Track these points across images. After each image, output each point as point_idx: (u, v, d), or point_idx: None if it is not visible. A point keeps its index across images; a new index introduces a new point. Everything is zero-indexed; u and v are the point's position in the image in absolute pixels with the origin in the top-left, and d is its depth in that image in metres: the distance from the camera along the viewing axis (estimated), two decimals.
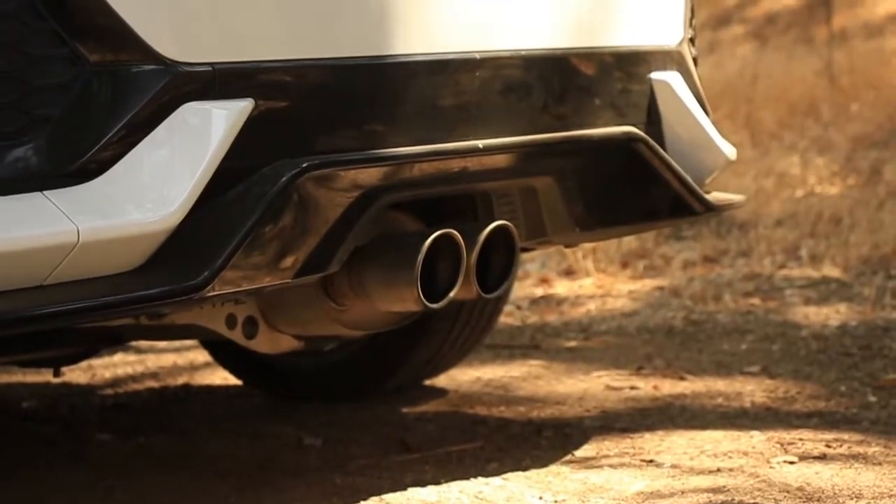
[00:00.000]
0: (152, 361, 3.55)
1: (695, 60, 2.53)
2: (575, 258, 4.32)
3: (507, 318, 3.78)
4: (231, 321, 2.32)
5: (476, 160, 2.17)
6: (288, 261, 1.97)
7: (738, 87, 7.58)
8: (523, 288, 4.15)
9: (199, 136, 1.88)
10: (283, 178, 1.94)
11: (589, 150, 2.31)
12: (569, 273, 4.31)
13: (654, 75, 2.40)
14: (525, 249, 2.48)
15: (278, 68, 1.97)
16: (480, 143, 2.14)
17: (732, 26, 12.59)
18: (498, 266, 2.22)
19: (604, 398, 3.01)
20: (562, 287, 4.19)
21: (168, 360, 3.56)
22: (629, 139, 2.32)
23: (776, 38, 11.72)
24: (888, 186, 5.36)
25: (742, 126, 6.84)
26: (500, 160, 2.21)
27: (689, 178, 2.40)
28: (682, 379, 3.13)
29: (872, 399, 2.91)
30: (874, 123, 6.95)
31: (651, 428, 2.75)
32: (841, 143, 6.50)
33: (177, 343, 3.70)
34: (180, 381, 3.35)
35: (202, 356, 3.49)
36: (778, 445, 2.60)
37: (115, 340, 2.60)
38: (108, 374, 3.44)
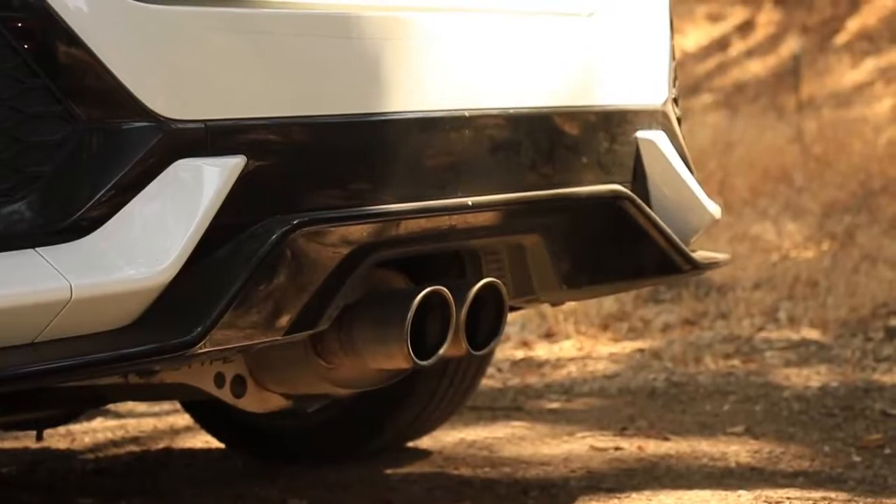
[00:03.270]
0: (132, 426, 3.52)
1: (679, 120, 2.56)
2: (555, 320, 4.32)
3: (489, 380, 3.78)
4: (219, 380, 2.31)
5: (465, 217, 2.17)
6: (279, 318, 1.96)
7: (710, 154, 7.64)
8: (504, 350, 4.15)
9: (192, 193, 1.88)
10: (275, 235, 1.94)
11: (576, 207, 2.32)
12: (549, 335, 4.32)
13: (640, 134, 2.42)
14: (512, 308, 2.48)
15: (269, 125, 1.98)
16: (470, 201, 2.15)
17: (702, 95, 12.72)
18: (487, 323, 2.22)
19: (589, 459, 3.00)
20: (542, 349, 4.19)
21: (148, 424, 3.53)
22: (616, 197, 2.33)
23: (746, 107, 11.84)
24: (862, 250, 5.40)
25: (715, 192, 6.89)
26: (489, 217, 2.22)
27: (674, 236, 2.41)
28: (666, 440, 3.13)
29: (857, 459, 2.92)
30: (846, 190, 7.01)
31: (637, 488, 2.74)
32: (814, 208, 6.56)
33: (157, 407, 3.67)
34: (161, 444, 3.33)
35: (183, 420, 3.47)
36: None
37: (100, 401, 2.58)
38: (87, 439, 3.42)
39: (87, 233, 1.82)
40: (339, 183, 2.05)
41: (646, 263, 2.42)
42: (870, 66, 12.13)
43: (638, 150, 2.42)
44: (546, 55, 2.31)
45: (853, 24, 12.84)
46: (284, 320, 1.97)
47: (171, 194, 1.87)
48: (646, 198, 2.41)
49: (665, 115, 2.50)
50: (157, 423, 3.53)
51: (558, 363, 4.02)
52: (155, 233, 1.85)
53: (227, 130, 1.93)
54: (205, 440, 3.26)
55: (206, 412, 3.10)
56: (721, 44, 13.57)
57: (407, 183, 2.11)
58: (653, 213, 2.38)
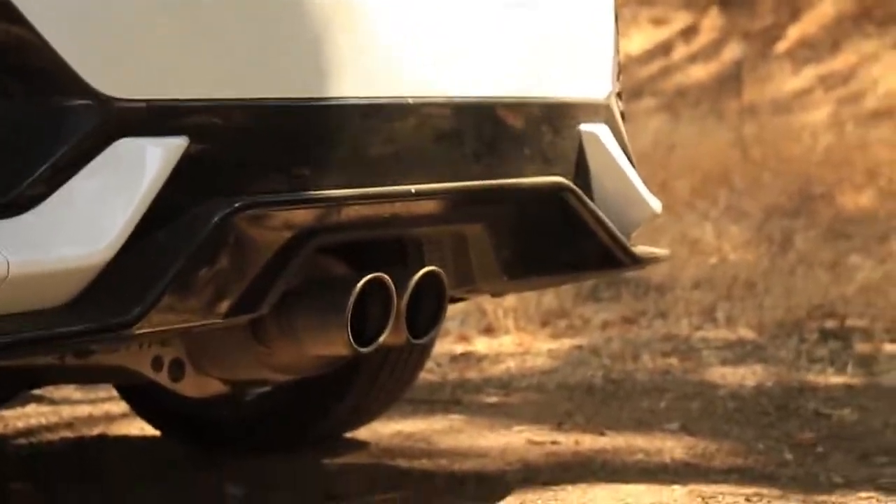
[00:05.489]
0: (67, 412, 3.49)
1: (622, 114, 2.57)
2: (495, 316, 4.33)
3: (428, 374, 3.78)
4: (157, 363, 2.29)
5: (408, 205, 2.17)
6: (219, 301, 1.95)
7: (652, 157, 7.68)
8: (443, 345, 4.15)
9: (133, 173, 1.87)
10: (216, 218, 1.92)
11: (518, 198, 2.33)
12: (488, 331, 4.32)
13: (583, 127, 2.43)
14: (453, 299, 2.48)
15: (213, 107, 1.96)
16: (413, 189, 2.15)
17: (644, 98, 12.79)
18: (427, 312, 2.22)
19: (525, 452, 3.01)
20: (481, 344, 4.20)
21: (83, 410, 3.50)
22: (558, 189, 2.34)
23: (688, 111, 11.92)
24: (799, 254, 5.46)
25: (656, 194, 6.93)
26: (432, 206, 2.22)
27: (616, 230, 2.42)
28: (602, 435, 3.14)
29: (789, 457, 2.94)
30: (785, 194, 7.08)
31: (573, 481, 2.75)
32: (753, 212, 6.61)
33: (92, 394, 3.64)
34: (96, 431, 3.30)
35: (118, 407, 3.44)
36: (699, 499, 2.62)
37: (35, 383, 2.56)
38: (20, 424, 3.38)
39: (26, 210, 1.79)
40: (282, 167, 2.04)
41: (587, 256, 2.43)
42: (810, 73, 12.25)
43: (581, 142, 2.42)
44: (490, 44, 2.31)
45: (794, 32, 12.97)
46: (224, 304, 1.95)
47: (111, 173, 1.85)
48: (588, 190, 2.41)
49: (608, 108, 2.51)
50: (93, 409, 3.50)
51: (497, 358, 4.03)
52: (94, 212, 1.84)
53: (169, 111, 1.91)
54: (140, 427, 3.24)
55: (142, 399, 3.07)
56: (664, 48, 13.65)
57: (350, 169, 2.10)
58: (595, 206, 2.39)
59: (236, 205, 1.94)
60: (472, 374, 3.85)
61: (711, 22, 13.68)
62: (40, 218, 1.80)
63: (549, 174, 2.37)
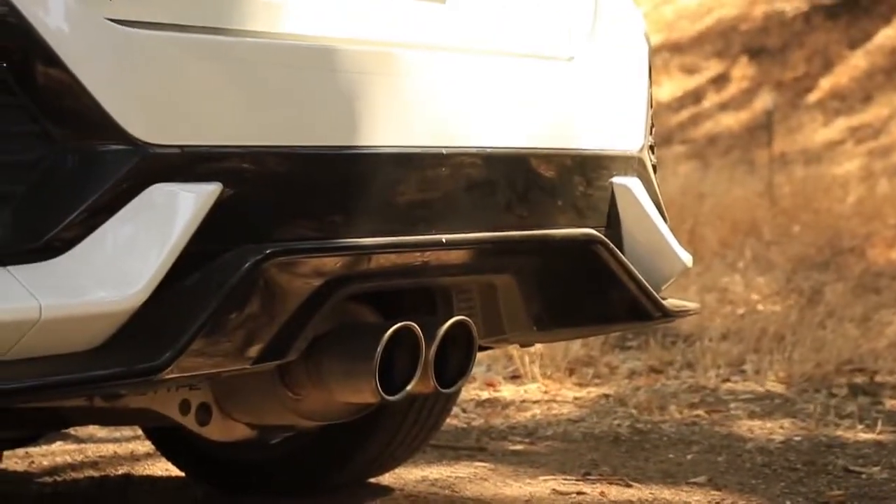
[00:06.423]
0: (92, 451, 3.49)
1: (654, 167, 2.57)
2: (521, 363, 4.32)
3: (453, 419, 3.76)
4: (185, 407, 2.29)
5: (439, 254, 2.17)
6: (248, 347, 1.95)
7: (681, 204, 7.68)
8: (469, 390, 4.14)
9: (166, 218, 1.88)
10: (247, 264, 1.93)
11: (549, 250, 2.33)
12: (515, 377, 4.31)
13: (616, 180, 2.43)
14: (481, 348, 2.48)
15: (246, 154, 1.97)
16: (444, 238, 2.15)
17: (674, 146, 12.79)
18: (456, 361, 2.22)
19: (551, 502, 2.99)
20: (508, 391, 4.19)
21: (109, 449, 3.50)
22: (589, 241, 2.34)
23: (718, 160, 11.91)
24: (828, 307, 5.43)
25: (686, 242, 6.90)
26: (462, 255, 2.22)
27: (646, 283, 2.41)
28: (628, 486, 3.12)
29: None
30: (814, 246, 7.06)
31: None
32: (782, 263, 6.60)
33: (117, 433, 3.64)
34: (121, 470, 3.30)
35: (143, 446, 3.44)
36: None
37: (63, 424, 2.56)
38: (46, 462, 3.38)
39: (60, 253, 1.80)
40: (314, 214, 2.05)
41: (617, 309, 2.42)
42: (841, 124, 12.24)
43: (613, 195, 2.42)
44: (526, 97, 2.32)
45: (826, 83, 12.97)
46: (253, 349, 1.96)
47: (144, 219, 1.86)
48: (619, 243, 2.41)
49: (641, 161, 2.51)
50: (118, 448, 3.50)
51: (523, 405, 4.01)
52: (127, 256, 1.84)
53: (203, 156, 1.92)
54: (165, 468, 3.24)
55: (167, 439, 3.07)
56: (695, 96, 13.67)
57: (382, 217, 2.11)
58: (625, 259, 2.38)
59: (267, 251, 1.95)
60: (498, 421, 3.84)
61: (742, 71, 13.69)
62: (73, 262, 1.81)
63: (580, 226, 2.37)
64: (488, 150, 2.25)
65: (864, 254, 6.81)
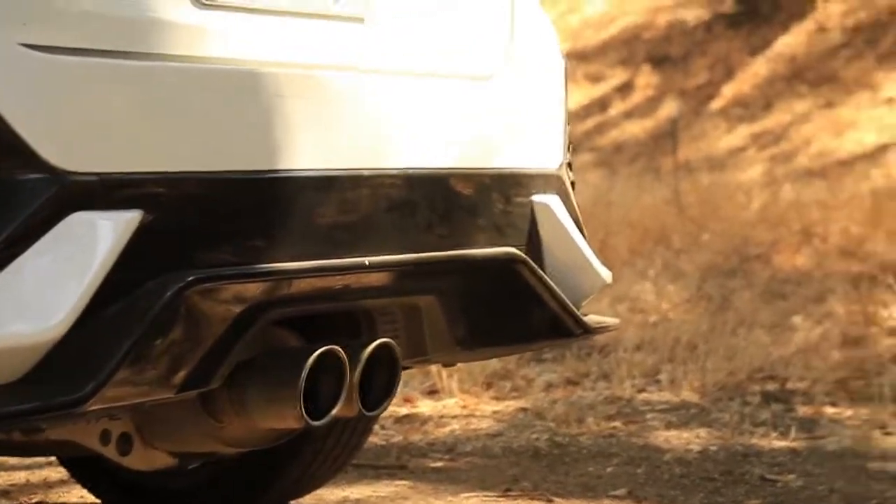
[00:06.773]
0: (3, 479, 3.42)
1: (573, 184, 2.58)
2: (439, 377, 4.32)
3: (373, 437, 3.75)
4: (105, 437, 2.26)
5: (361, 277, 2.16)
6: (171, 376, 1.92)
7: (591, 214, 7.72)
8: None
9: (85, 247, 1.84)
10: (169, 292, 1.90)
11: (471, 270, 2.32)
12: (433, 392, 4.31)
13: (536, 198, 2.43)
14: (405, 368, 2.47)
15: (166, 180, 1.94)
16: (367, 261, 2.14)
17: (581, 154, 12.88)
18: (380, 384, 2.20)
19: None
20: (426, 406, 4.18)
21: (20, 476, 3.44)
22: (510, 260, 2.34)
23: (624, 168, 12.02)
24: (738, 314, 5.49)
25: (597, 252, 6.96)
26: (386, 278, 2.21)
27: (567, 301, 2.42)
28: (549, 501, 3.13)
29: None
30: (722, 254, 7.14)
31: None
32: (691, 271, 6.66)
33: (28, 460, 3.58)
34: (34, 499, 3.23)
35: (56, 473, 3.38)
36: None
37: None
38: None
39: None
40: (236, 240, 2.02)
41: (539, 327, 2.43)
42: (743, 131, 12.41)
43: (533, 213, 2.43)
44: (445, 116, 2.31)
45: (728, 90, 13.15)
46: (177, 378, 1.93)
47: (64, 248, 1.82)
48: (540, 261, 2.42)
49: (560, 179, 2.51)
50: (30, 476, 3.44)
51: (442, 421, 4.01)
52: (46, 287, 1.81)
53: (122, 184, 1.89)
54: (80, 495, 3.18)
55: (82, 467, 3.02)
56: (601, 104, 13.78)
57: (303, 241, 2.09)
58: (546, 277, 2.39)
59: (189, 279, 1.93)
60: (417, 437, 3.83)
61: (646, 79, 13.83)
62: None
63: (501, 245, 2.37)
64: (409, 170, 2.24)
65: (770, 260, 6.90)
